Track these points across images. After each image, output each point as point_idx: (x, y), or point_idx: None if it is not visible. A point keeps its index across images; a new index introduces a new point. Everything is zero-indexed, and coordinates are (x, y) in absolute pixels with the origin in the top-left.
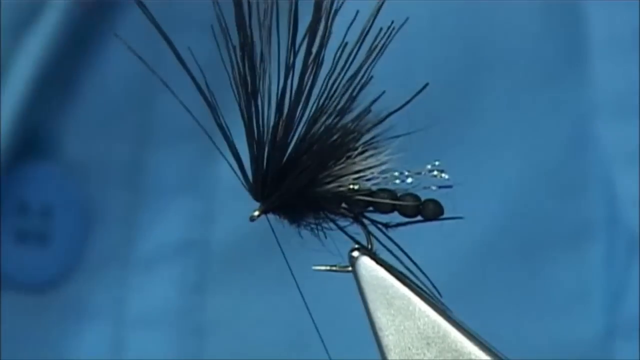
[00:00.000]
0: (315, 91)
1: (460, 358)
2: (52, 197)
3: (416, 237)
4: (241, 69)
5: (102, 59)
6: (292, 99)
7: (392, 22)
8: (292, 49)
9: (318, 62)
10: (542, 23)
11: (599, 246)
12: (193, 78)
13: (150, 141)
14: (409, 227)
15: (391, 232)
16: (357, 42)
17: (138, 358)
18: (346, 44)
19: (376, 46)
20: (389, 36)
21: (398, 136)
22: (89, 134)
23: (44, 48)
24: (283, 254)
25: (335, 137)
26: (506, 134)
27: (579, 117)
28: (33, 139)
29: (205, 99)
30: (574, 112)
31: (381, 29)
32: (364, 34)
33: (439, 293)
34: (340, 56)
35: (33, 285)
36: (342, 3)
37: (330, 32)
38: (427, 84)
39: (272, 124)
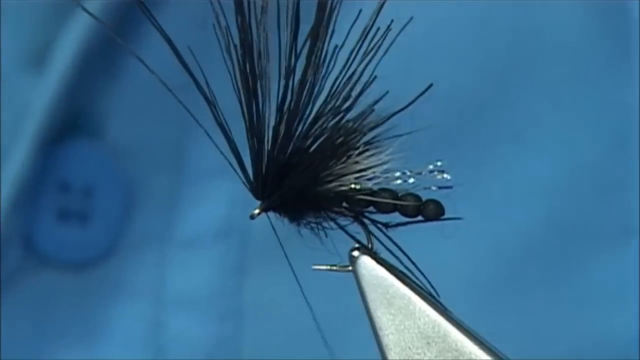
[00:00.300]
0: (316, 90)
1: (461, 358)
2: (94, 177)
3: (457, 234)
4: (242, 67)
5: (147, 40)
6: (294, 97)
7: (392, 21)
8: (294, 47)
9: (320, 61)
10: (586, 20)
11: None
12: (193, 78)
13: (194, 123)
14: (449, 226)
15: (434, 231)
16: (358, 41)
17: (177, 338)
18: (341, 45)
19: (375, 45)
20: (384, 36)
21: (400, 135)
22: (132, 114)
23: (88, 27)
24: (284, 253)
25: (336, 136)
26: (548, 132)
27: (621, 115)
28: (76, 119)
29: (206, 97)
30: (616, 110)
31: (378, 29)
32: (365, 33)
33: (437, 293)
34: (337, 54)
35: (73, 264)
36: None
37: (332, 31)
38: (431, 85)
39: (273, 122)
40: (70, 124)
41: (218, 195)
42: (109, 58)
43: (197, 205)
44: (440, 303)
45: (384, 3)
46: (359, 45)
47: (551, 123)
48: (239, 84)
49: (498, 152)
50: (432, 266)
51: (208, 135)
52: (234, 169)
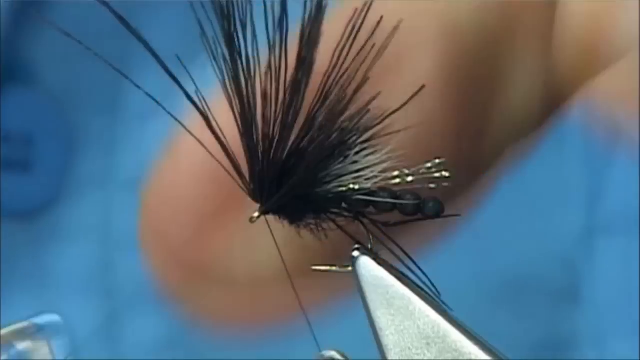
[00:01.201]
0: (313, 91)
1: (460, 358)
2: (33, 125)
3: None
4: (233, 71)
5: None
6: (288, 100)
7: (382, 17)
8: (284, 48)
9: (312, 62)
10: None
11: None
12: (179, 84)
13: (131, 66)
14: None
15: None
16: (348, 41)
17: (126, 279)
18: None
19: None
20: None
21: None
22: (68, 60)
23: None
24: (281, 256)
25: (333, 136)
26: None
27: None
28: (11, 67)
29: (194, 103)
30: None
31: (373, 29)
32: (354, 33)
33: (438, 292)
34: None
35: (19, 212)
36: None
37: (320, 32)
38: (423, 86)
39: (269, 125)
40: (6, 73)
41: (157, 137)
42: (41, 4)
43: (138, 147)
44: (441, 303)
45: (372, 2)
46: (350, 43)
47: None
48: (230, 88)
49: None
50: None
51: (205, 147)
52: (230, 174)
